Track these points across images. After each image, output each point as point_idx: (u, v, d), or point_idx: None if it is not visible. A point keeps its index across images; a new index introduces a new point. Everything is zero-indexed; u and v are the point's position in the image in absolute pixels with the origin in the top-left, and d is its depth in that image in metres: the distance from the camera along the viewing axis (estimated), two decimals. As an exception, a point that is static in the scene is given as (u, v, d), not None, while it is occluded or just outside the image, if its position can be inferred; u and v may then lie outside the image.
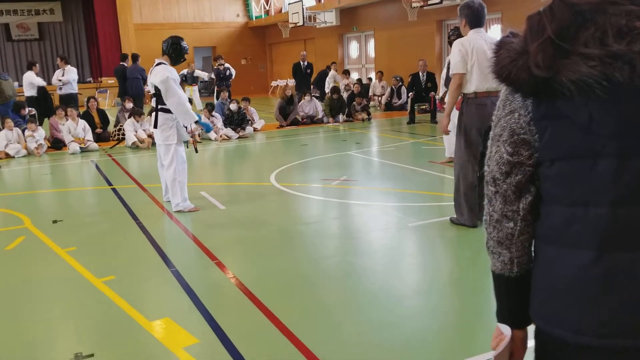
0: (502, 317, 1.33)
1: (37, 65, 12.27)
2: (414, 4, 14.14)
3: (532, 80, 1.13)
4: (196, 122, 5.61)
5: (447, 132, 4.75)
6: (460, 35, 7.01)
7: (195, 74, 16.65)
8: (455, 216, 4.85)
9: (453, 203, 4.86)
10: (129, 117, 10.85)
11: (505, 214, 1.26)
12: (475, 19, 4.52)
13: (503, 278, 1.30)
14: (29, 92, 11.92)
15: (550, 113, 1.14)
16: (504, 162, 1.24)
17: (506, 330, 1.30)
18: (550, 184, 1.19)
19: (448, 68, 6.96)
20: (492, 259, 1.32)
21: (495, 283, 1.33)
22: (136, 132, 10.52)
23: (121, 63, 13.21)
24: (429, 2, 13.64)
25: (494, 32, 14.15)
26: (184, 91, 6.52)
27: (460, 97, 4.78)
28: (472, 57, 4.42)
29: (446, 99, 4.98)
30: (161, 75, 5.40)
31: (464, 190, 4.64)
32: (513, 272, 1.28)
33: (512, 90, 1.22)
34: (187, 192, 5.74)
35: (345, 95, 14.35)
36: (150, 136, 10.12)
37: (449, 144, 7.37)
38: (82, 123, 10.44)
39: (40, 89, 11.92)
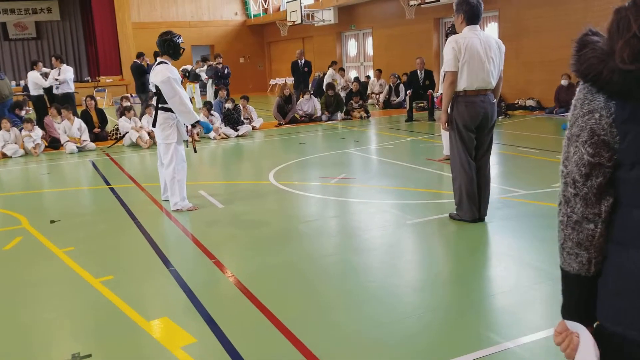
0: (572, 314, 1.33)
1: (40, 63, 12.23)
2: (411, 2, 14.13)
3: (623, 81, 1.10)
4: (197, 122, 5.62)
5: (446, 128, 4.71)
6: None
7: (198, 71, 16.66)
8: (455, 212, 4.85)
9: (453, 200, 4.86)
10: (120, 115, 10.82)
11: (586, 216, 1.24)
12: (473, 16, 4.49)
13: (579, 278, 1.29)
14: (35, 91, 11.90)
15: (635, 116, 1.12)
16: (584, 164, 1.22)
17: (576, 326, 1.30)
18: (629, 188, 1.17)
19: None
20: (567, 259, 1.30)
21: (569, 282, 1.32)
22: (137, 131, 10.52)
23: (135, 60, 13.36)
24: (427, 0, 13.63)
25: (491, 30, 14.16)
26: (185, 88, 6.50)
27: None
28: (464, 54, 4.40)
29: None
30: (162, 75, 5.40)
31: (462, 186, 4.66)
32: (590, 272, 1.28)
33: (593, 90, 1.19)
34: (185, 191, 5.73)
35: (343, 93, 14.36)
36: (151, 135, 10.10)
37: (447, 141, 7.37)
38: (78, 122, 10.41)
39: (47, 89, 11.88)
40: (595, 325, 1.29)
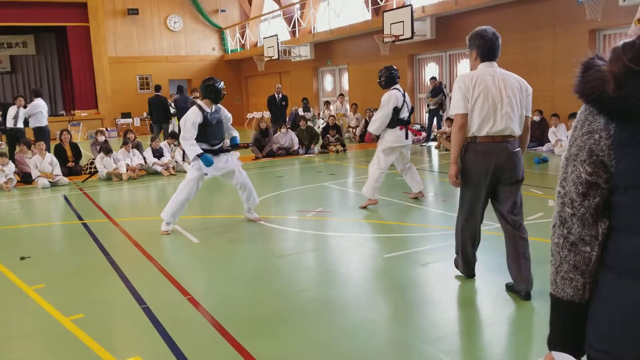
0: (562, 345, 1.29)
1: (21, 98, 12.17)
2: (386, 39, 14.45)
3: (624, 104, 1.11)
4: (199, 155, 5.96)
5: (457, 183, 3.96)
6: (390, 77, 6.93)
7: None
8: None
9: (428, 232, 4.83)
10: (100, 151, 10.74)
11: (582, 237, 1.23)
12: (489, 51, 3.85)
13: (572, 305, 1.26)
14: (11, 125, 11.86)
15: (633, 141, 1.13)
16: (582, 182, 1.22)
17: (566, 358, 1.27)
18: (622, 212, 1.17)
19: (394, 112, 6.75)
20: (560, 284, 1.27)
21: (560, 310, 1.28)
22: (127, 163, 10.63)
23: (156, 94, 14.71)
24: (400, 38, 13.95)
25: (463, 68, 14.51)
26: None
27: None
28: (473, 93, 3.77)
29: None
30: (184, 116, 6.05)
31: (462, 241, 4.17)
32: (584, 298, 1.25)
33: (594, 112, 1.20)
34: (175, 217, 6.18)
35: (322, 125, 14.53)
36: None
37: (411, 182, 7.35)
38: (49, 157, 10.28)
39: (24, 123, 11.96)
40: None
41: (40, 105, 12.00)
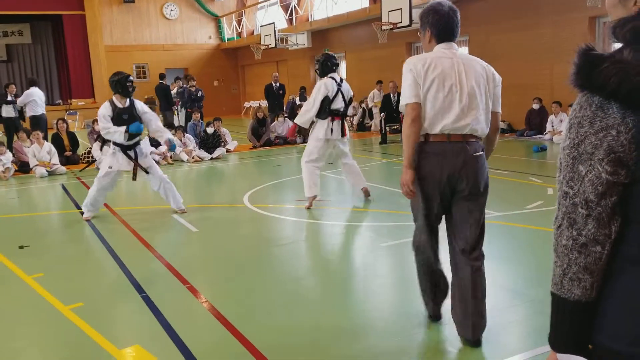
0: (567, 345, 1.27)
1: (12, 86, 12.13)
2: (383, 27, 14.37)
3: None
4: (126, 131, 6.06)
5: (412, 194, 3.05)
6: (324, 65, 6.35)
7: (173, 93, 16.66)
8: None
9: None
10: (96, 139, 10.70)
11: (596, 237, 1.20)
12: (444, 29, 3.03)
13: (580, 305, 1.24)
14: (6, 114, 11.81)
15: None
16: (602, 182, 1.17)
17: (573, 358, 1.25)
18: None
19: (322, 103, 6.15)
20: (567, 286, 1.24)
21: (565, 310, 1.26)
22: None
23: (160, 82, 14.96)
24: (398, 25, 13.88)
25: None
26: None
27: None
28: (426, 80, 2.93)
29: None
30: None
31: (420, 270, 3.28)
32: (591, 297, 1.23)
33: (603, 106, 1.16)
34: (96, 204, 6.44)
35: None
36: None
37: (353, 179, 6.80)
38: (48, 146, 10.25)
39: (20, 112, 11.94)
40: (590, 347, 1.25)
41: (34, 93, 11.93)
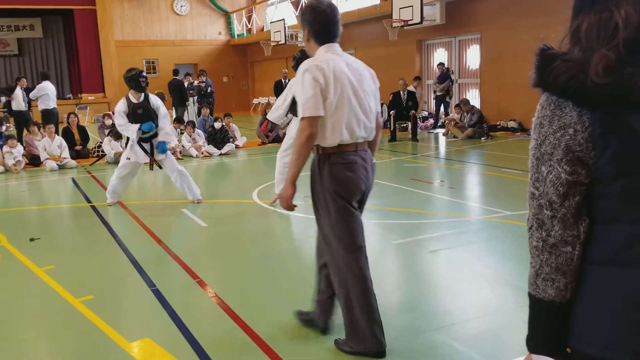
0: (542, 347, 1.26)
1: (23, 79, 12.25)
2: (394, 24, 14.31)
3: (602, 93, 1.06)
4: (139, 128, 6.33)
5: (290, 207, 2.96)
6: (300, 61, 5.94)
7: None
8: (343, 339, 3.03)
9: (439, 220, 4.40)
10: (108, 134, 10.76)
11: (564, 239, 1.19)
12: (323, 28, 2.89)
13: (554, 305, 1.23)
14: (18, 107, 11.92)
15: (616, 127, 1.08)
16: (562, 182, 1.16)
17: None
18: (610, 202, 1.13)
19: (293, 102, 5.77)
20: (541, 285, 1.24)
21: (541, 310, 1.25)
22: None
23: (174, 77, 15.15)
24: (409, 23, 13.82)
25: (473, 53, 14.38)
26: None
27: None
28: (335, 90, 2.75)
29: (288, 161, 3.23)
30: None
31: (352, 297, 2.92)
32: (566, 298, 1.22)
33: (563, 105, 1.14)
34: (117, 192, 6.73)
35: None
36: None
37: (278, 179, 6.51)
38: (58, 140, 10.31)
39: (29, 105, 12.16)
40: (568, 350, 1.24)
41: (46, 87, 12.00)
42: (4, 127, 11.38)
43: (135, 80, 6.28)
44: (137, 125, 6.27)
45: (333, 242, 2.91)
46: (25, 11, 22.30)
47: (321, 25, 2.87)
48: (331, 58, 2.82)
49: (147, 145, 6.46)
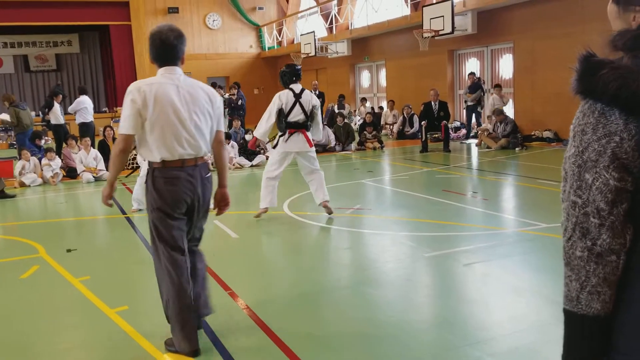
0: None
1: (60, 95, 12.62)
2: (425, 35, 14.26)
3: None
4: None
5: (108, 203, 3.25)
6: (283, 76, 6.41)
7: None
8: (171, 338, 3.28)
9: (470, 232, 4.59)
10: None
11: (612, 247, 1.16)
12: (163, 52, 3.18)
13: (599, 320, 1.19)
14: (56, 121, 12.31)
15: None
16: (610, 190, 1.14)
17: None
18: None
19: (279, 117, 6.17)
20: (587, 300, 1.19)
21: (584, 327, 1.20)
22: None
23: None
24: (440, 33, 13.75)
25: (506, 62, 14.19)
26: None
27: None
28: (152, 110, 3.05)
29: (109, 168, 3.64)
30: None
31: (169, 299, 3.24)
32: (610, 310, 1.18)
33: (606, 113, 1.13)
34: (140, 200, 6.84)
35: (359, 122, 14.36)
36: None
37: (315, 192, 6.53)
38: (94, 152, 10.54)
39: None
40: None
41: (84, 101, 12.33)
42: (43, 141, 11.72)
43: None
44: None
45: (156, 248, 3.25)
46: (63, 28, 23.02)
47: (157, 49, 3.17)
48: (158, 81, 3.13)
49: None
